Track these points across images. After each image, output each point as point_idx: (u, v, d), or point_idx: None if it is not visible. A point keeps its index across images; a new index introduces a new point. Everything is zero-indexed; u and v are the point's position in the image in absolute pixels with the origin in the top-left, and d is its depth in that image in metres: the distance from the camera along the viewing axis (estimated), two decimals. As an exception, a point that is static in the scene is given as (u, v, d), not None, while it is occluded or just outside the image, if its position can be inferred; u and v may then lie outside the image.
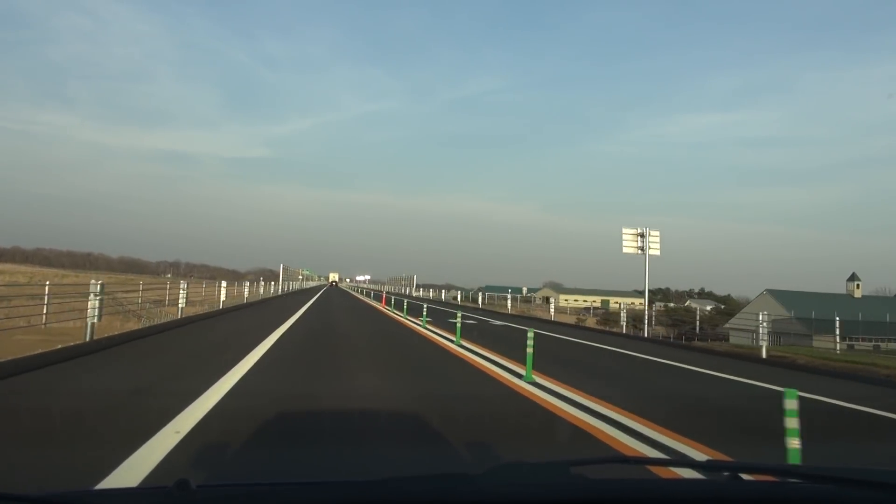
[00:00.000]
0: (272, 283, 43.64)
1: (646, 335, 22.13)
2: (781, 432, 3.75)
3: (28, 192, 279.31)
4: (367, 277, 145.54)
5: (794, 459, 3.53)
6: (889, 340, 40.52)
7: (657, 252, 21.46)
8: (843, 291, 57.64)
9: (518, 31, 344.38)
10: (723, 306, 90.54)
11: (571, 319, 43.05)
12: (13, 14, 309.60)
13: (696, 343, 26.05)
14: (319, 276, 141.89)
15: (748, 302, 59.73)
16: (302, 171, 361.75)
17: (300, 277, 72.24)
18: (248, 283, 30.87)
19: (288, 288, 50.75)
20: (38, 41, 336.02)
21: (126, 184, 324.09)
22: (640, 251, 21.30)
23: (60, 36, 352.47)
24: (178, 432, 4.62)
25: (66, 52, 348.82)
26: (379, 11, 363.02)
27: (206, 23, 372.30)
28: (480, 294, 51.10)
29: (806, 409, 4.03)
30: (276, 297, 37.03)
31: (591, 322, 46.64)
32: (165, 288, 23.17)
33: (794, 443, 3.64)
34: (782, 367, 12.48)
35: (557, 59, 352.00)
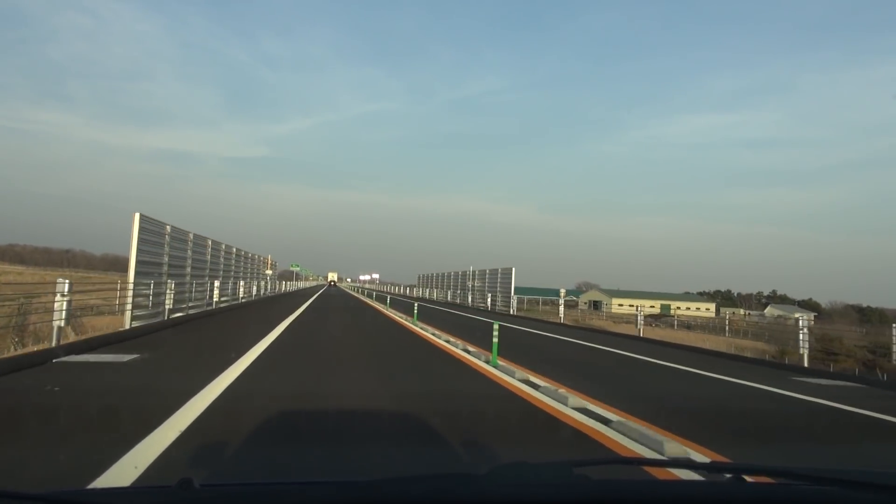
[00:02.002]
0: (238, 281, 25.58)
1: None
2: None
3: (26, 190, 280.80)
4: (376, 276, 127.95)
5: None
6: None
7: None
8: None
9: (517, 32, 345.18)
10: (815, 314, 65.67)
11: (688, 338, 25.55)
12: (14, 13, 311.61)
13: None
14: (318, 276, 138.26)
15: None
16: (302, 170, 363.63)
17: (268, 273, 38.29)
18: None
19: (218, 296, 21.10)
20: (38, 40, 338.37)
21: (125, 183, 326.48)
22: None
23: (61, 35, 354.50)
24: None
25: (66, 50, 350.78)
26: (379, 12, 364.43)
27: (207, 22, 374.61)
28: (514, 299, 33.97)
29: None
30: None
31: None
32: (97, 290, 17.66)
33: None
34: None
35: (557, 60, 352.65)
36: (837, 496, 1.34)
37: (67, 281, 9.88)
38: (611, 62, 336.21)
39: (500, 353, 9.53)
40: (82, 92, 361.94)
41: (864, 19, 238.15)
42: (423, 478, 1.33)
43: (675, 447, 4.74)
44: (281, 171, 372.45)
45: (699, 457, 4.74)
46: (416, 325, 17.45)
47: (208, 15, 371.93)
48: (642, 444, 4.99)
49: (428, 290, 54.81)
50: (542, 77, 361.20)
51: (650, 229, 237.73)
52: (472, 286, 38.86)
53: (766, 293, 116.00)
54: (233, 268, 25.38)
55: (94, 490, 2.28)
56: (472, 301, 38.06)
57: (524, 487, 1.29)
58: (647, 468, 3.65)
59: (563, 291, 28.07)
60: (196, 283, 18.59)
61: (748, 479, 1.47)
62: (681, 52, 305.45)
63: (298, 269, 71.90)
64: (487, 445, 4.83)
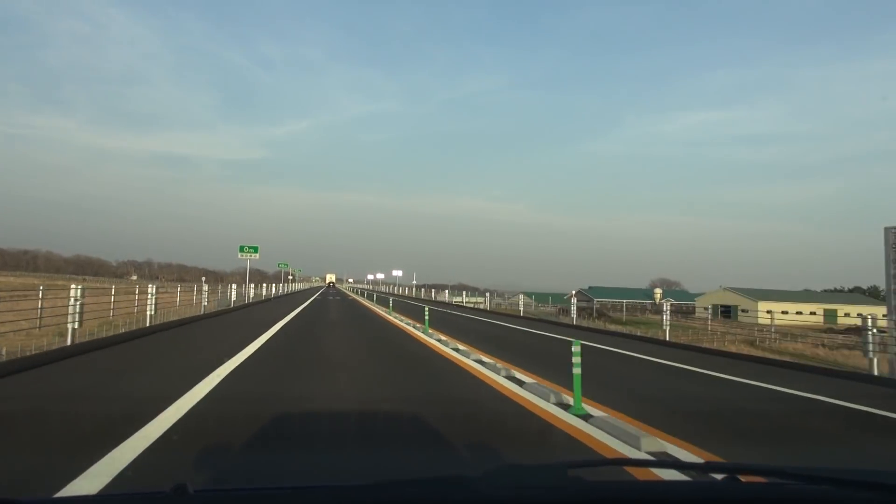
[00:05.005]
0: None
1: None
2: None
3: (24, 195, 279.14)
4: (398, 274, 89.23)
5: None
6: None
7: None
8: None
9: (512, 31, 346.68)
10: None
11: None
12: (11, 18, 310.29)
13: None
14: (315, 278, 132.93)
15: None
16: (300, 172, 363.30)
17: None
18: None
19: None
20: (35, 45, 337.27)
21: (122, 187, 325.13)
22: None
23: (57, 40, 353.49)
24: None
25: (63, 55, 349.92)
26: (374, 12, 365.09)
27: (203, 26, 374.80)
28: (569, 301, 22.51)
29: None
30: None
31: None
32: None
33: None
34: None
35: (553, 58, 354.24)
36: (831, 495, 1.34)
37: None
38: (606, 60, 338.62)
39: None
40: (79, 97, 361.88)
41: (860, 16, 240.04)
42: (418, 481, 1.33)
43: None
44: (279, 173, 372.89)
45: (695, 458, 4.75)
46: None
47: (204, 18, 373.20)
48: None
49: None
50: (539, 75, 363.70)
51: (651, 227, 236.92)
52: None
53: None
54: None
55: (90, 497, 2.27)
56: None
57: (520, 490, 1.28)
58: (642, 469, 3.65)
59: (659, 293, 16.73)
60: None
61: (742, 478, 1.47)
62: (676, 49, 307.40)
63: (255, 252, 33.48)
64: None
